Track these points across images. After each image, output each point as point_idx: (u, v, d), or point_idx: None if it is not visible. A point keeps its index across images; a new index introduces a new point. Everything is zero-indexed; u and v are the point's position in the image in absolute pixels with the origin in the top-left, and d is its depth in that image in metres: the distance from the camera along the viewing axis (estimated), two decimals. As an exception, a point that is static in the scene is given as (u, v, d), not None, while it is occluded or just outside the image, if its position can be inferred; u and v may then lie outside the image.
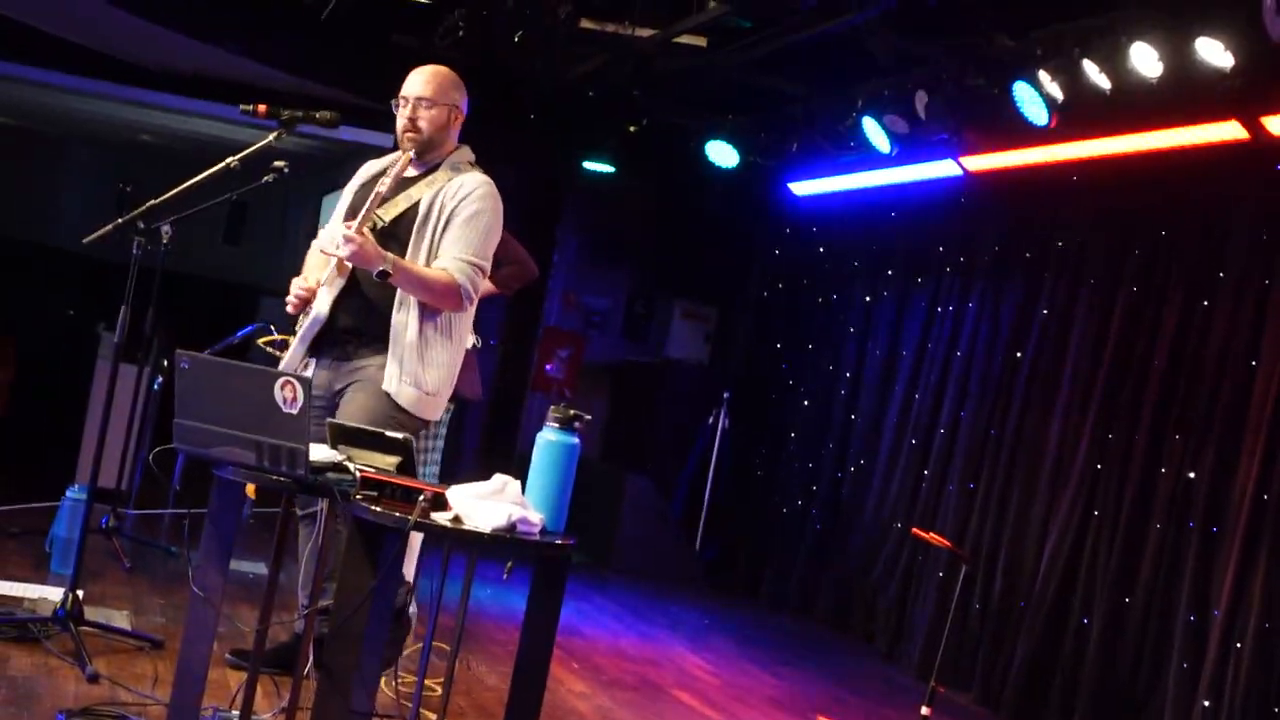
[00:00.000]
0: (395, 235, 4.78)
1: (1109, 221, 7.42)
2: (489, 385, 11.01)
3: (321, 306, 4.80)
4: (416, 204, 4.79)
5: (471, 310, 4.91)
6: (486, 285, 5.21)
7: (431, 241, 4.76)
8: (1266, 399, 6.24)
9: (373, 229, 4.76)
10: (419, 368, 4.72)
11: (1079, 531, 7.13)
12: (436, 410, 4.83)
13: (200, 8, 8.67)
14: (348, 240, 4.52)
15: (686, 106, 9.81)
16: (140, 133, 12.52)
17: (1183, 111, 6.20)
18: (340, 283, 4.81)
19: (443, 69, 5.01)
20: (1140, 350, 7.04)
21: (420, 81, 4.92)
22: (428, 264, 4.74)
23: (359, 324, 4.78)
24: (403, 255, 4.72)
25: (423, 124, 4.87)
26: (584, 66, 9.00)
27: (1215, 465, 6.46)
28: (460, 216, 4.76)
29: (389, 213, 4.81)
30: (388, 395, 4.64)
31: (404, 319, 4.74)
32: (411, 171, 4.91)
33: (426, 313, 4.76)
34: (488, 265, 4.83)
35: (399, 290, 4.74)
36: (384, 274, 4.63)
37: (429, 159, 4.95)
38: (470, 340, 5.33)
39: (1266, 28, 5.30)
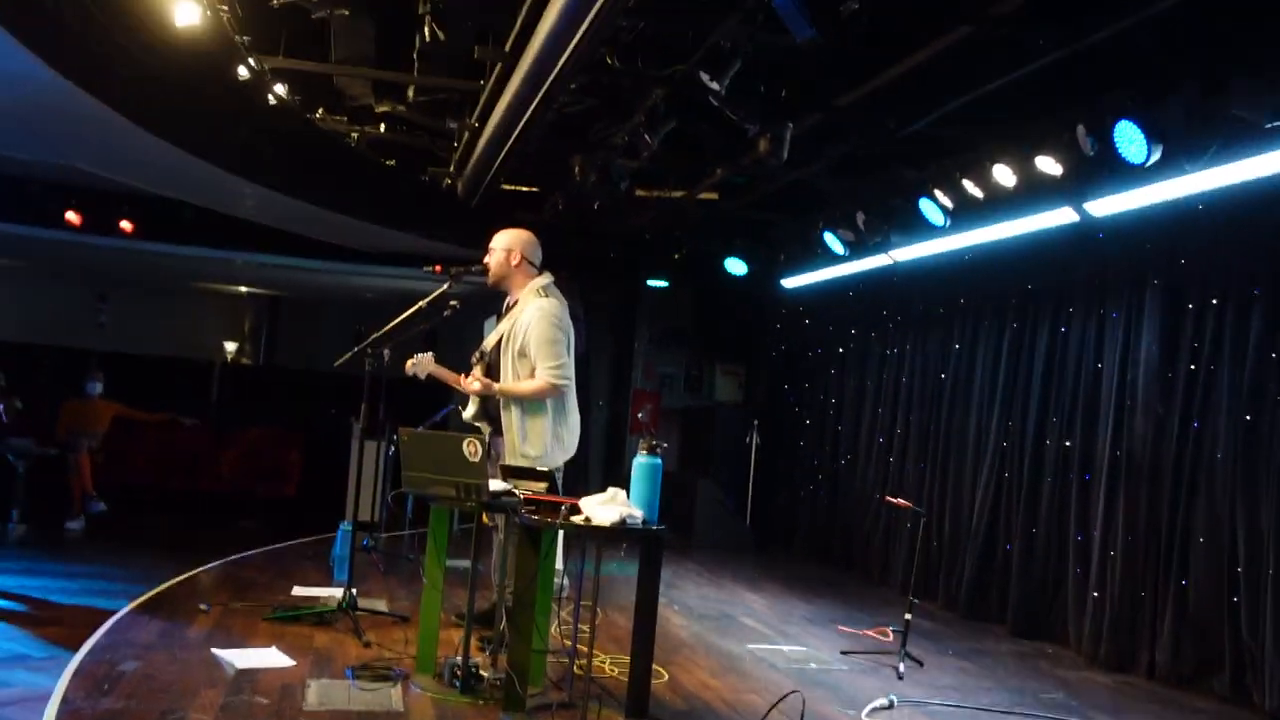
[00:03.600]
0: (496, 356, 4.85)
1: (993, 282, 7.33)
2: (604, 433, 11.09)
3: (471, 408, 4.92)
4: (503, 335, 4.83)
5: (566, 392, 4.78)
6: None
7: (513, 359, 4.76)
8: (1110, 388, 6.13)
9: (479, 358, 4.88)
10: (523, 444, 4.72)
11: (996, 488, 7.00)
12: (548, 463, 4.66)
13: (393, 208, 8.88)
14: (471, 388, 4.78)
15: (710, 238, 9.87)
16: (365, 292, 12.78)
17: (1032, 205, 6.16)
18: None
19: (511, 229, 4.98)
20: (1024, 365, 6.94)
21: (495, 236, 4.96)
22: (514, 372, 4.74)
23: (493, 416, 4.86)
24: (498, 369, 4.78)
25: (490, 263, 4.90)
26: (640, 219, 9.10)
27: (1083, 435, 6.34)
28: (531, 342, 4.71)
29: (490, 343, 4.91)
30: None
31: (509, 415, 4.77)
32: (512, 303, 4.93)
33: (520, 408, 4.74)
34: (561, 360, 4.71)
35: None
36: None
37: (507, 289, 4.93)
38: None
39: (1081, 146, 5.29)
